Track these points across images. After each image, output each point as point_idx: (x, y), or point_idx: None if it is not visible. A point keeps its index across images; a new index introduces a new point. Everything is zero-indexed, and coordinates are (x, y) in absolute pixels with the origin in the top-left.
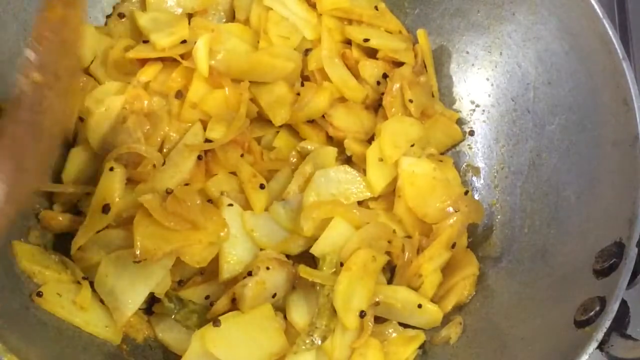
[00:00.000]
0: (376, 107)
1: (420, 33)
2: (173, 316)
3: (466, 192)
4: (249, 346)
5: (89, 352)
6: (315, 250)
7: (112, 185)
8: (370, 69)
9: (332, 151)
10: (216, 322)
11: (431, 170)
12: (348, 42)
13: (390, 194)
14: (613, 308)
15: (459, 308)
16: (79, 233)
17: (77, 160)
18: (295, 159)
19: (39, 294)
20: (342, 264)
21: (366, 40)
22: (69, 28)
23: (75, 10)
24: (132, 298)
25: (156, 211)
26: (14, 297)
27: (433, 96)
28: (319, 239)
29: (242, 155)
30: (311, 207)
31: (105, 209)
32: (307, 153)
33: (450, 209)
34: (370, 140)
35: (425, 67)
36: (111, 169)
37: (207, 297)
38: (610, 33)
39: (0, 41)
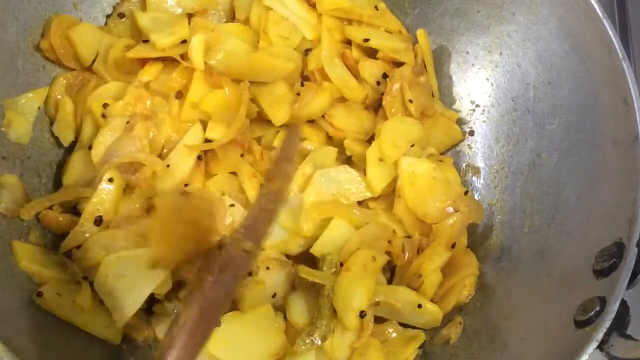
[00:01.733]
0: (376, 107)
1: (420, 33)
2: (173, 316)
3: (466, 192)
4: (249, 346)
5: (89, 352)
6: (315, 250)
7: (109, 199)
8: (370, 69)
9: (332, 151)
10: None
11: (431, 170)
12: (348, 42)
13: (390, 194)
14: (613, 308)
15: (459, 308)
16: (69, 237)
17: (78, 164)
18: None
19: (39, 294)
20: (342, 264)
21: (366, 40)
22: (280, 199)
23: (288, 183)
24: (133, 299)
25: None
26: (14, 297)
27: (433, 96)
28: (319, 239)
29: (242, 155)
30: (311, 207)
31: (97, 221)
32: (307, 153)
33: (450, 209)
34: (370, 140)
35: (425, 67)
36: (110, 180)
37: None
38: (611, 33)
39: (0, 41)
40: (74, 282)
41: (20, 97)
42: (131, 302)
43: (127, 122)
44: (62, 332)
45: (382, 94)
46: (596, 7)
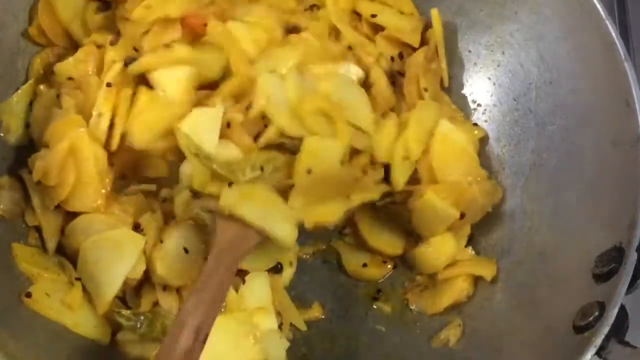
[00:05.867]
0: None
1: (434, 14)
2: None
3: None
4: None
5: (81, 352)
6: None
7: None
8: (384, 46)
9: None
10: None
11: (465, 142)
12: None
13: None
14: (612, 313)
15: (458, 310)
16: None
17: None
18: None
19: (28, 295)
20: None
21: (374, 15)
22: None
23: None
24: (110, 282)
25: None
26: (12, 298)
27: (442, 83)
28: None
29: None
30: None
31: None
32: None
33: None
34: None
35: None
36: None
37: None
38: (613, 34)
39: (0, 41)
40: (68, 283)
41: (12, 97)
42: (108, 286)
43: (57, 96)
44: (54, 332)
45: (396, 72)
46: (599, 7)
